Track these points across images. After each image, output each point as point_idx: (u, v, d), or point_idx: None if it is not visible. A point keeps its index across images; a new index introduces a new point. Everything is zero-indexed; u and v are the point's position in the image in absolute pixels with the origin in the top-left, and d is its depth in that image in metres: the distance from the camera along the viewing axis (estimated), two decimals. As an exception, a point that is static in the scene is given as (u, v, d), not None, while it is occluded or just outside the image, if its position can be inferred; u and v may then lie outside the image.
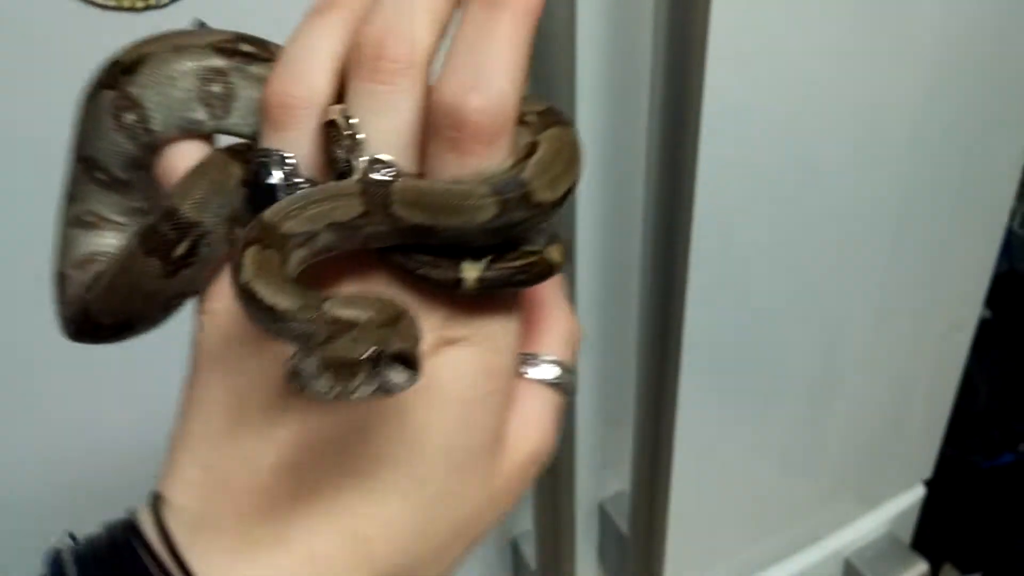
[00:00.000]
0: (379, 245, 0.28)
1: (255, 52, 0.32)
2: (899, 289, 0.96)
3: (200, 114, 0.32)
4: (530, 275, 0.29)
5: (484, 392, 0.30)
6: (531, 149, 0.28)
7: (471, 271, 0.28)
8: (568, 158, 0.29)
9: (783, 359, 0.94)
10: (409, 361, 0.24)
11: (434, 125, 0.28)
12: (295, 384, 0.23)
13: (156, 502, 0.30)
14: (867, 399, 1.05)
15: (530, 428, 0.33)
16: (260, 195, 0.29)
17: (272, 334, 0.26)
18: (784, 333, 0.92)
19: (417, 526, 0.30)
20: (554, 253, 0.30)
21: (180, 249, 0.30)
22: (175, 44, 0.32)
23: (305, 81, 0.29)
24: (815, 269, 0.88)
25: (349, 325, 0.25)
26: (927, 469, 1.17)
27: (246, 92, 0.32)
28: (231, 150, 0.31)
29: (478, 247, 0.28)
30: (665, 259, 0.68)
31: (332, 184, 0.28)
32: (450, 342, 0.30)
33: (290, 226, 0.27)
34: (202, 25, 0.34)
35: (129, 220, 0.34)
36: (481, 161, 0.28)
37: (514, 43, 0.28)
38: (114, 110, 0.31)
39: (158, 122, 0.31)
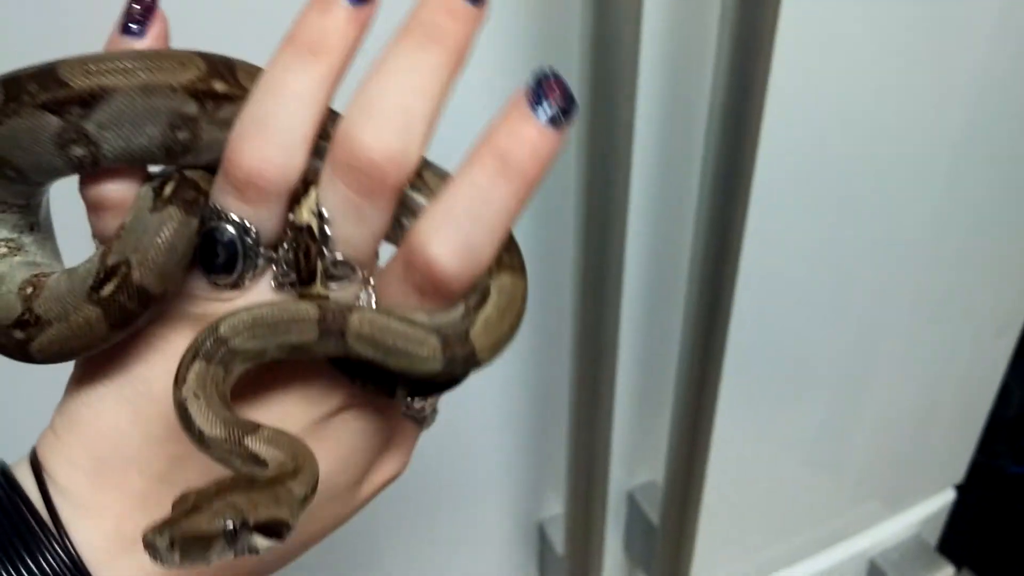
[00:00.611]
0: (323, 358, 0.30)
1: (227, 92, 0.29)
2: (940, 293, 0.95)
3: (158, 156, 0.29)
4: (448, 386, 0.32)
5: (369, 445, 0.33)
6: (483, 297, 0.29)
7: (403, 389, 0.32)
8: (512, 320, 0.30)
9: (821, 359, 0.93)
10: (273, 530, 0.26)
11: (408, 261, 0.28)
12: (150, 554, 0.25)
13: (38, 470, 0.31)
14: (901, 403, 1.03)
15: (392, 458, 0.36)
16: (216, 257, 0.29)
17: (196, 448, 0.28)
18: (823, 332, 0.91)
19: None
20: None
21: (143, 318, 0.29)
22: (145, 83, 0.28)
23: (281, 161, 0.28)
24: (856, 271, 0.87)
25: (258, 463, 0.28)
26: (959, 474, 1.15)
27: (210, 135, 0.29)
28: (184, 200, 0.29)
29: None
30: (716, 255, 0.67)
31: (291, 305, 0.29)
32: (349, 405, 0.32)
33: (243, 343, 0.28)
34: (140, 22, 0.30)
35: (22, 202, 0.31)
36: (439, 308, 0.29)
37: (510, 214, 0.28)
38: (60, 141, 0.28)
39: (109, 160, 0.29)
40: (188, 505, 0.25)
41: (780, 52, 0.59)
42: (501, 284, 0.29)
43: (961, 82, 0.78)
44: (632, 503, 0.90)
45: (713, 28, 0.59)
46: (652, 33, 0.58)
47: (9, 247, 0.31)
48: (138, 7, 0.29)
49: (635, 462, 0.88)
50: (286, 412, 0.31)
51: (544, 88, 0.28)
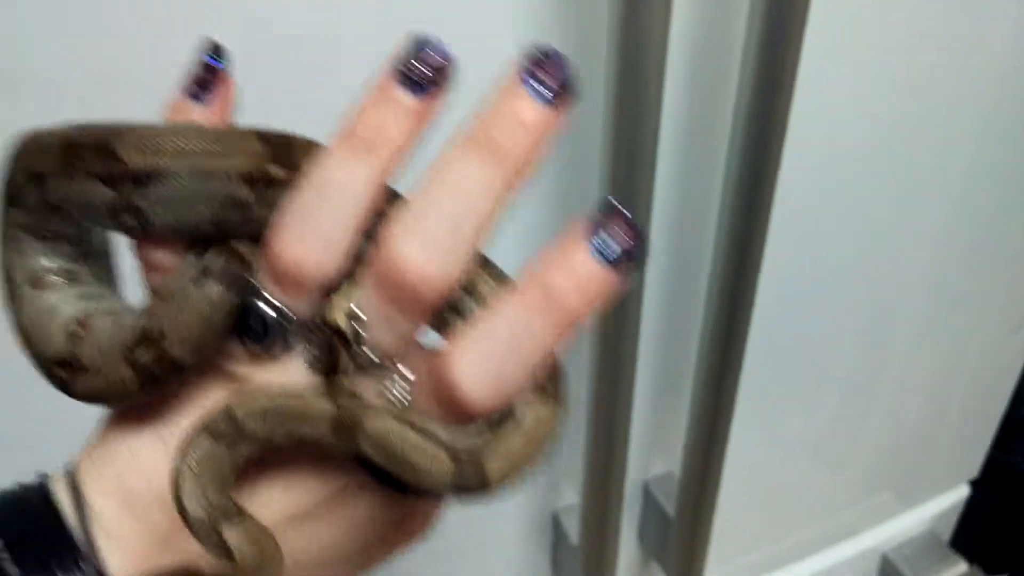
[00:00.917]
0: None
1: (282, 177, 0.28)
2: (955, 288, 0.95)
3: (207, 231, 0.29)
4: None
5: (385, 517, 0.32)
6: (509, 420, 0.28)
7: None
8: (533, 453, 0.28)
9: (836, 353, 0.93)
10: None
11: (435, 377, 0.27)
12: None
13: (76, 490, 0.30)
14: (916, 397, 1.03)
15: (415, 525, 0.34)
16: (252, 329, 0.28)
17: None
18: (839, 326, 0.90)
19: None
20: None
21: (175, 383, 0.29)
22: (201, 168, 0.27)
23: (318, 257, 0.27)
24: (872, 265, 0.87)
25: (226, 554, 0.28)
26: (973, 469, 1.15)
27: (262, 215, 0.28)
28: (228, 275, 0.28)
29: None
30: (738, 251, 0.66)
31: (308, 399, 0.28)
32: (365, 483, 0.30)
33: (253, 427, 0.28)
34: (206, 88, 0.29)
35: (75, 234, 0.31)
36: (459, 424, 0.27)
37: (549, 350, 0.26)
38: (111, 209, 0.28)
39: (158, 231, 0.28)
40: None
41: (808, 48, 0.58)
42: (534, 412, 0.28)
43: (983, 75, 0.78)
44: (648, 494, 0.90)
45: (742, 23, 0.59)
46: (681, 30, 0.58)
47: (64, 277, 0.31)
48: (204, 73, 0.29)
49: (652, 453, 0.88)
50: (297, 484, 0.30)
51: (608, 221, 0.26)
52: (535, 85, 0.26)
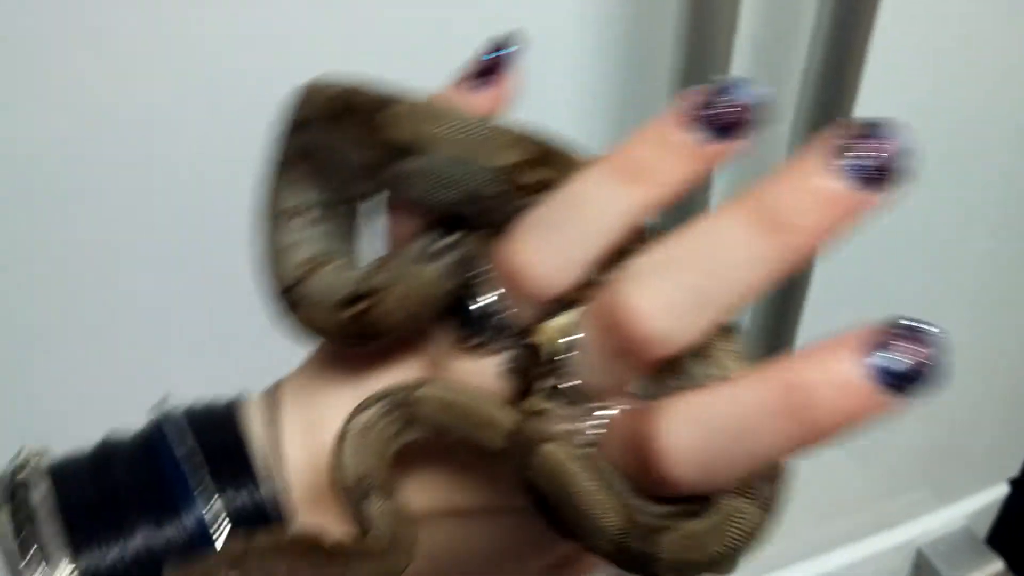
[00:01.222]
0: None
1: (535, 183, 0.26)
2: (1000, 282, 0.94)
3: (449, 211, 0.28)
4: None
5: (529, 552, 0.30)
6: (702, 504, 0.24)
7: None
8: (721, 549, 0.24)
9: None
10: None
11: (634, 434, 0.24)
12: None
13: (272, 415, 0.30)
14: (956, 391, 1.01)
15: (577, 566, 0.33)
16: (463, 318, 0.27)
17: (329, 481, 0.28)
18: (880, 315, 0.90)
19: None
20: None
21: (373, 346, 0.29)
22: (458, 156, 0.27)
23: (548, 274, 0.25)
24: (915, 255, 0.86)
25: (361, 527, 0.26)
26: (1014, 468, 1.14)
27: (504, 214, 0.27)
28: (454, 262, 0.28)
29: None
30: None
31: (490, 407, 0.27)
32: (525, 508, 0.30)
33: (429, 414, 0.27)
34: (487, 75, 0.29)
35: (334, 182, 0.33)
36: (645, 489, 0.24)
37: (773, 456, 0.22)
38: (366, 171, 0.28)
39: (403, 200, 0.29)
40: (231, 554, 0.25)
41: (876, 44, 0.58)
42: (735, 505, 0.24)
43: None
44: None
45: (809, 19, 0.59)
46: (747, 25, 0.58)
47: (314, 216, 0.32)
48: (488, 63, 0.28)
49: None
50: (460, 482, 0.29)
51: (895, 338, 0.21)
52: (848, 161, 0.22)
